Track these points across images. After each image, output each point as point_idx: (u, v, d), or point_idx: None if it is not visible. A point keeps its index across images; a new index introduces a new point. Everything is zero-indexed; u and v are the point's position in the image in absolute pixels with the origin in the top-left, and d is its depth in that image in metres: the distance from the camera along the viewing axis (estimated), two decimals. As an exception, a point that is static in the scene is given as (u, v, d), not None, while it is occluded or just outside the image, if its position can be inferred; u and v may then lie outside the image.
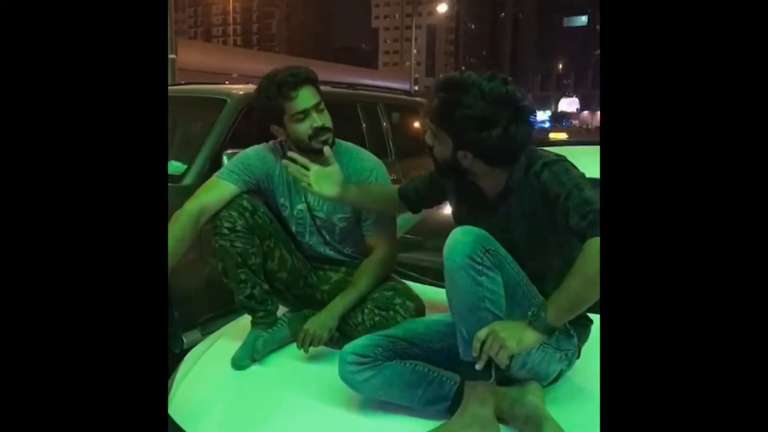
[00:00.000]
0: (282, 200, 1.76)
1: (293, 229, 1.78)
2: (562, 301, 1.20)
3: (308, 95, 1.66)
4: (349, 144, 1.82)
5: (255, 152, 1.77)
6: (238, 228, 1.60)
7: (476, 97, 1.26)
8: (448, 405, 1.30)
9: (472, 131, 1.28)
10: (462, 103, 1.27)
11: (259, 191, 1.75)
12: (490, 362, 1.21)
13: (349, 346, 1.37)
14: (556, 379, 1.35)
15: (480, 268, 1.20)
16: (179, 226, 1.60)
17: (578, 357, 1.38)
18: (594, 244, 1.15)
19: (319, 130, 1.66)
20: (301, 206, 1.75)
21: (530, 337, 1.20)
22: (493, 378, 1.22)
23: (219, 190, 1.67)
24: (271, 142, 1.80)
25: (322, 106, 1.70)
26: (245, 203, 1.64)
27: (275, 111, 1.67)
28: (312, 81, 1.69)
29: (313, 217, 1.76)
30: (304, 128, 1.66)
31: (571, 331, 1.33)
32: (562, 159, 1.31)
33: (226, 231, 1.60)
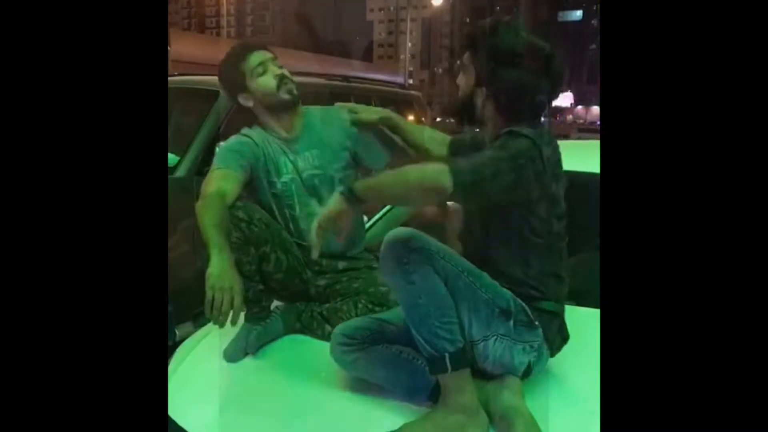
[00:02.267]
0: (271, 177, 1.76)
1: (284, 202, 1.77)
2: (371, 179, 1.37)
3: (261, 54, 1.77)
4: (311, 107, 1.87)
5: (236, 140, 1.77)
6: (233, 240, 1.56)
7: (512, 36, 1.36)
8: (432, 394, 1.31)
9: (493, 62, 1.35)
10: (496, 33, 1.36)
11: (252, 175, 1.74)
12: (443, 356, 1.22)
13: (340, 327, 1.43)
14: (527, 373, 1.34)
15: (408, 268, 1.23)
16: (212, 212, 1.53)
17: (551, 353, 1.37)
18: (429, 166, 1.27)
19: (283, 78, 1.74)
20: (285, 178, 1.76)
21: (334, 200, 1.31)
22: (449, 369, 1.22)
23: (228, 179, 1.64)
24: (244, 129, 1.81)
25: (279, 63, 1.79)
26: (240, 213, 1.60)
27: (238, 79, 1.75)
28: (264, 49, 1.79)
29: (304, 181, 1.76)
30: (267, 80, 1.75)
31: (536, 323, 1.33)
32: (527, 136, 1.27)
33: None
